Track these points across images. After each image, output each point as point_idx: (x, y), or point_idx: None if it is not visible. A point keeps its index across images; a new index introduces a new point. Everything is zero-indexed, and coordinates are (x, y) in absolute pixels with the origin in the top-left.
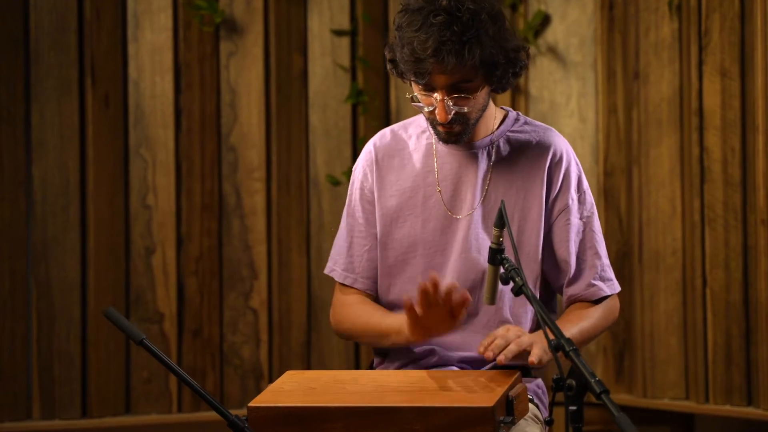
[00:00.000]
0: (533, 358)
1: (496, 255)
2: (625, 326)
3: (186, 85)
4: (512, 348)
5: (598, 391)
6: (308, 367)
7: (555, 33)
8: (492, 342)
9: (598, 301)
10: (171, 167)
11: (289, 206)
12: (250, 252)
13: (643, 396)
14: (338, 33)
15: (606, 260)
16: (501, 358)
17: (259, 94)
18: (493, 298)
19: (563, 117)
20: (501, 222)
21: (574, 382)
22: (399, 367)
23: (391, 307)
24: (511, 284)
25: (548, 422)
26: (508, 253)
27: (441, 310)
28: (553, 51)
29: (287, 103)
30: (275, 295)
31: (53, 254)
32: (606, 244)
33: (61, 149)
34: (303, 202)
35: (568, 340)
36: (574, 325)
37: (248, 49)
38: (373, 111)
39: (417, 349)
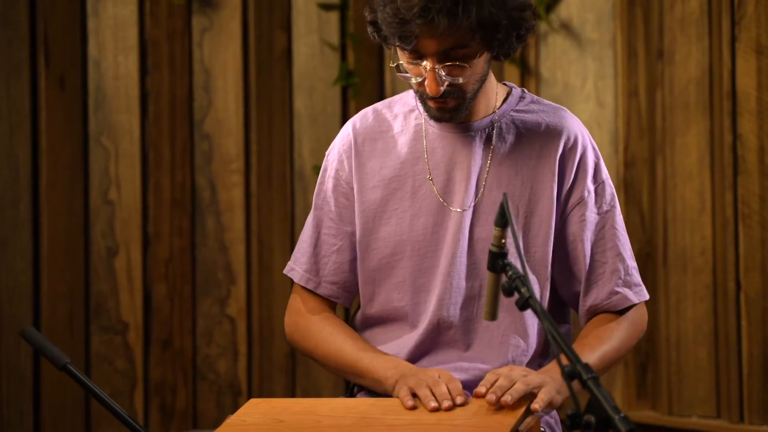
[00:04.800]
0: (536, 404)
1: (497, 260)
2: (648, 335)
3: (153, 65)
4: (519, 387)
5: (623, 430)
6: (293, 383)
7: (569, 7)
8: (494, 382)
9: (623, 311)
10: (136, 158)
11: (271, 201)
12: (226, 253)
13: (668, 413)
14: (326, 7)
15: (631, 262)
16: (506, 398)
17: (237, 75)
18: (494, 313)
19: (578, 101)
20: (503, 220)
21: (593, 419)
22: (385, 394)
23: (375, 321)
24: (516, 296)
25: None
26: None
27: None
28: (566, 28)
29: (268, 86)
30: (255, 302)
31: (1, 256)
32: None
33: (9, 137)
34: (287, 196)
35: (586, 366)
36: (593, 350)
37: (224, 24)
38: (365, 94)
39: None
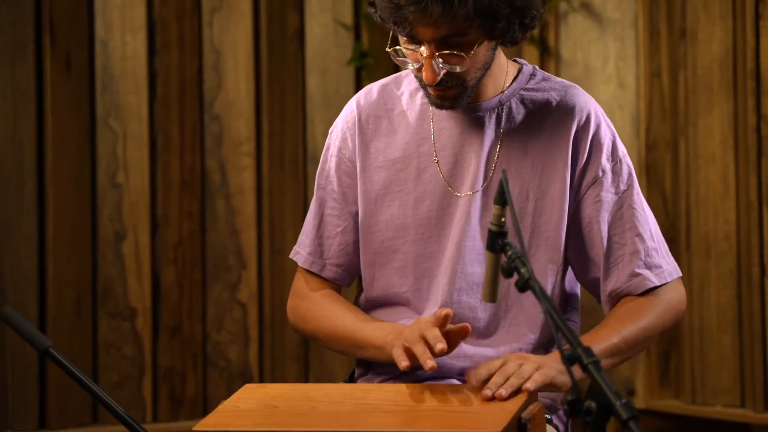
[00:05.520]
0: (528, 384)
1: (496, 239)
2: None
3: (162, 45)
4: (513, 382)
5: (624, 416)
6: (306, 370)
7: None
8: (487, 377)
9: (645, 293)
10: (144, 140)
11: (283, 185)
12: (237, 237)
13: (691, 402)
14: None
15: (652, 243)
16: (501, 392)
17: (248, 55)
18: (493, 295)
19: (599, 83)
20: (502, 198)
21: (594, 405)
22: (386, 381)
23: (376, 304)
24: (515, 277)
25: None
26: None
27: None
28: (587, 7)
29: (280, 67)
30: (267, 287)
31: (6, 241)
32: None
33: (14, 119)
34: (299, 179)
35: (587, 350)
36: (614, 331)
37: (235, 3)
38: (379, 75)
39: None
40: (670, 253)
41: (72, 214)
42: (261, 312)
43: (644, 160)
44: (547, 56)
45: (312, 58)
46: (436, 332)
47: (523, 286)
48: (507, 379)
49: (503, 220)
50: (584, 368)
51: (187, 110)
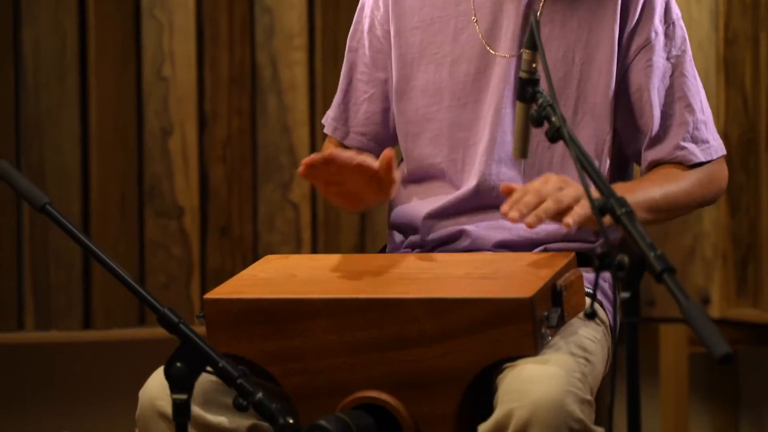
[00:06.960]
0: (569, 218)
1: (526, 88)
2: (749, 227)
3: None
4: (548, 206)
5: (658, 269)
6: None
7: None
8: (521, 198)
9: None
10: (191, 32)
11: (337, 80)
12: (289, 135)
13: None
14: None
15: (701, 115)
16: (531, 219)
17: None
18: (524, 150)
19: None
20: (532, 41)
21: (626, 259)
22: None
23: (413, 178)
24: (546, 126)
25: (588, 315)
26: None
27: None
28: None
29: None
30: None
31: (47, 134)
32: (728, 128)
33: (56, 8)
34: None
35: (620, 200)
36: (657, 186)
37: None
38: None
39: (442, 233)
40: (715, 129)
41: (116, 108)
42: (314, 213)
43: (723, 56)
44: None
45: None
46: (333, 152)
47: (554, 135)
48: (541, 202)
49: (534, 66)
50: (617, 219)
51: (236, 1)
